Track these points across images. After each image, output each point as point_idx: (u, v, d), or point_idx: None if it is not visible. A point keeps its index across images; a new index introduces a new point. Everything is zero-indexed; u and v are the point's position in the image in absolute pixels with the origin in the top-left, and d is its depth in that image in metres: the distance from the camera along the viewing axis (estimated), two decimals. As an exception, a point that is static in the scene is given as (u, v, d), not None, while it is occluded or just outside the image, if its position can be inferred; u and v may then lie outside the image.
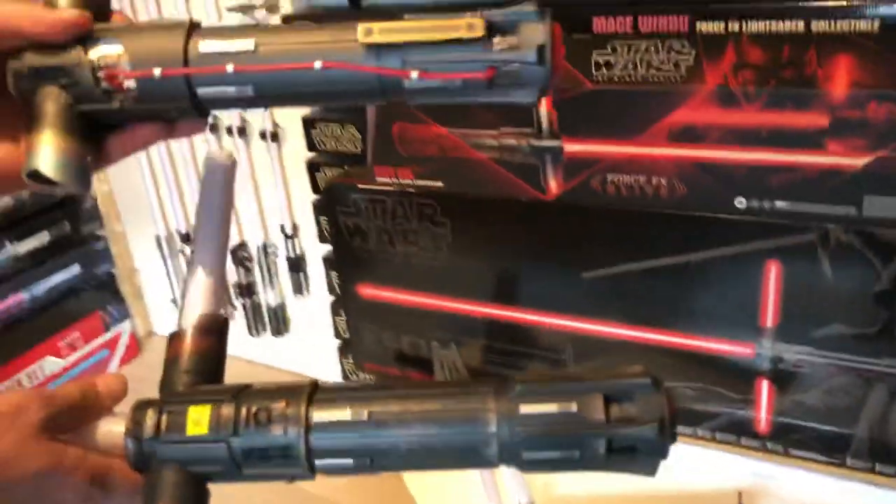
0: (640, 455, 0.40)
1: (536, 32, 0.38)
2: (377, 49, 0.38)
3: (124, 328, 1.34)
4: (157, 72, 0.39)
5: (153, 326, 1.42)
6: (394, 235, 0.82)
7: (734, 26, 0.68)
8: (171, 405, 0.43)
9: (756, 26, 0.67)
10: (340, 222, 0.85)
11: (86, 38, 0.40)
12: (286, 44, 0.40)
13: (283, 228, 1.13)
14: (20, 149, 0.40)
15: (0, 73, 0.41)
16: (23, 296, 1.17)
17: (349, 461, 0.42)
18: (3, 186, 0.42)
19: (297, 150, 1.05)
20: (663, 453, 0.40)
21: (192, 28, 0.41)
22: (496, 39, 0.38)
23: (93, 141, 0.42)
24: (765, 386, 0.70)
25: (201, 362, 0.45)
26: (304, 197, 1.05)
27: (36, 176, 0.39)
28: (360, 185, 0.82)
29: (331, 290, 1.05)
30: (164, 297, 1.34)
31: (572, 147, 0.69)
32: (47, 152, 0.39)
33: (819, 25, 0.60)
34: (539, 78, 0.39)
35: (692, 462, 0.76)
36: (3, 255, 1.14)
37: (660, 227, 0.69)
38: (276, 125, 1.06)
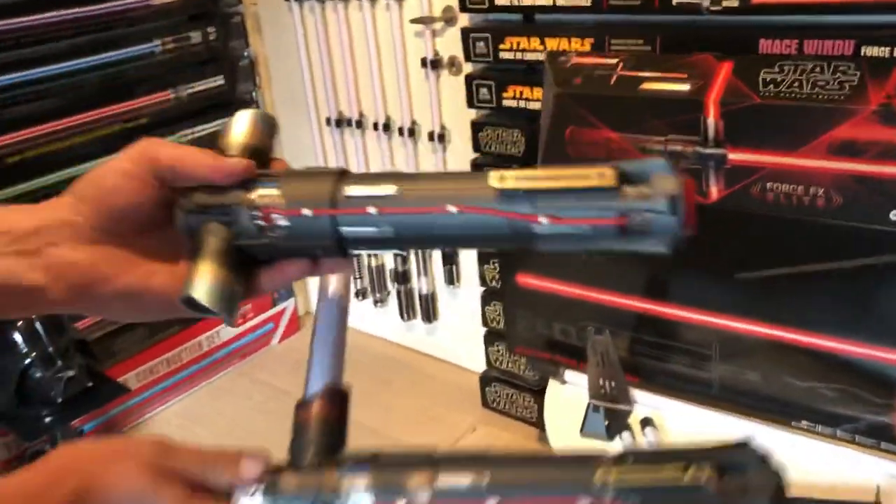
0: None
1: (669, 183, 0.38)
2: (509, 194, 0.39)
3: (288, 305, 1.46)
4: (307, 211, 0.42)
5: (311, 307, 1.54)
6: (555, 230, 0.88)
7: (900, 51, 0.72)
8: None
9: (922, 51, 0.71)
10: (506, 216, 0.92)
11: (247, 181, 0.44)
12: (425, 189, 0.42)
13: (440, 222, 1.22)
14: (177, 276, 0.45)
15: (165, 207, 0.45)
16: (207, 268, 1.31)
17: None
18: (162, 310, 0.46)
19: (460, 151, 1.14)
20: None
21: (342, 175, 0.44)
22: (628, 189, 0.38)
23: (245, 274, 0.45)
24: (908, 394, 0.73)
25: (327, 430, 0.47)
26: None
27: (190, 301, 0.42)
28: (527, 183, 0.89)
29: (482, 281, 1.13)
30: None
31: (736, 156, 0.74)
32: (203, 281, 0.42)
33: None
34: (671, 228, 0.38)
35: (831, 459, 0.79)
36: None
37: (814, 234, 0.73)
38: (443, 127, 1.15)
